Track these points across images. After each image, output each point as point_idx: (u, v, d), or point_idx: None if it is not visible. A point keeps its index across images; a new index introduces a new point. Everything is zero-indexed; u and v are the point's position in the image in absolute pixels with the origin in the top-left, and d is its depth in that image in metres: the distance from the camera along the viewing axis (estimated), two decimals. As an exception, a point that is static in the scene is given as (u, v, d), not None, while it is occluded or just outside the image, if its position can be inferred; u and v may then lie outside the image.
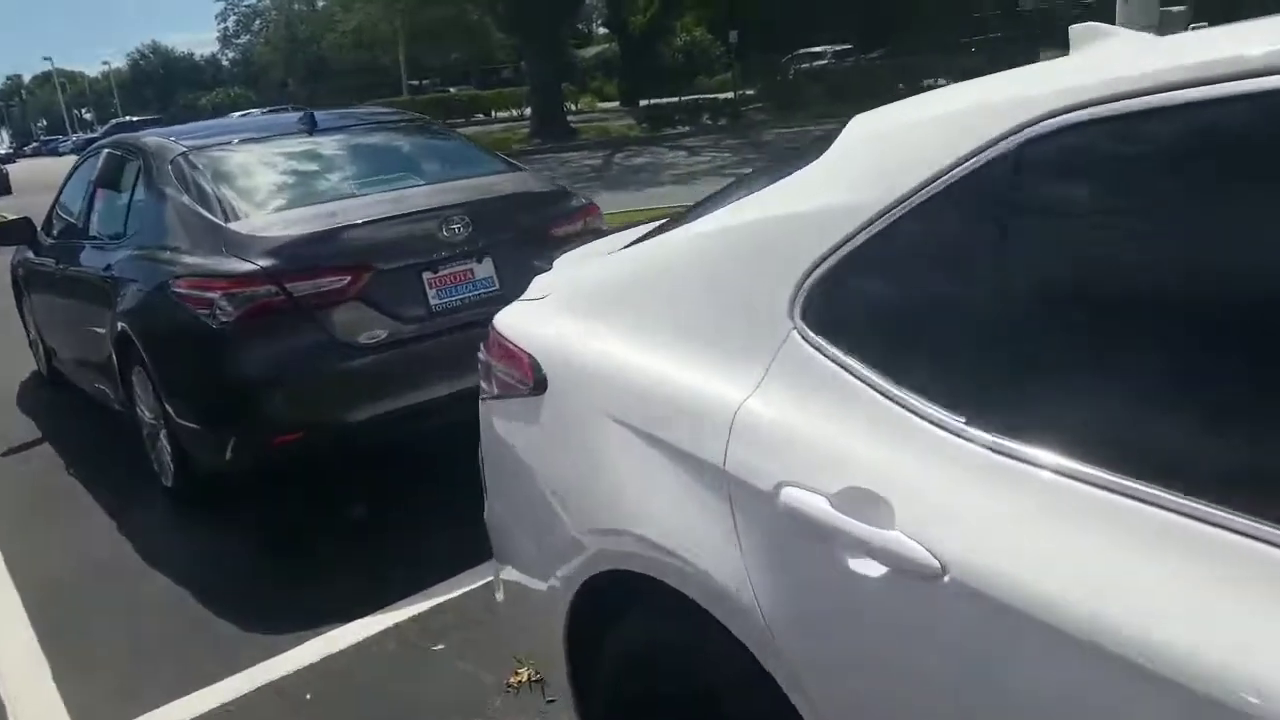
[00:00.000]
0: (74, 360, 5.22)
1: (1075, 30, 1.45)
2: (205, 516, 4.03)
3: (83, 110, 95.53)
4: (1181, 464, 0.93)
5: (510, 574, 2.07)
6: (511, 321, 2.07)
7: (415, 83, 48.40)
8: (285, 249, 3.54)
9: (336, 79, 58.29)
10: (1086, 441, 0.99)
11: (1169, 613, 0.87)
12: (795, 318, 1.32)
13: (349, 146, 4.58)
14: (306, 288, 3.49)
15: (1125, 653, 0.87)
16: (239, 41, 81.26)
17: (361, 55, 55.15)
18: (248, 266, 3.47)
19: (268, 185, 4.11)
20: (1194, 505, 0.89)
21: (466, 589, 3.12)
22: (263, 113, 25.35)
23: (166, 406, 3.78)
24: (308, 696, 2.70)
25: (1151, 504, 0.92)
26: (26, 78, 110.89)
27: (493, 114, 41.46)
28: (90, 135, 49.95)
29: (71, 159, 7.06)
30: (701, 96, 29.71)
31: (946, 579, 1.02)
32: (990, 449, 1.05)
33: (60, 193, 5.66)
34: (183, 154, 4.14)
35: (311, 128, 4.48)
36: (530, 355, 1.85)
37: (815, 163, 1.44)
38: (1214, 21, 1.45)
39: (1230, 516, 0.87)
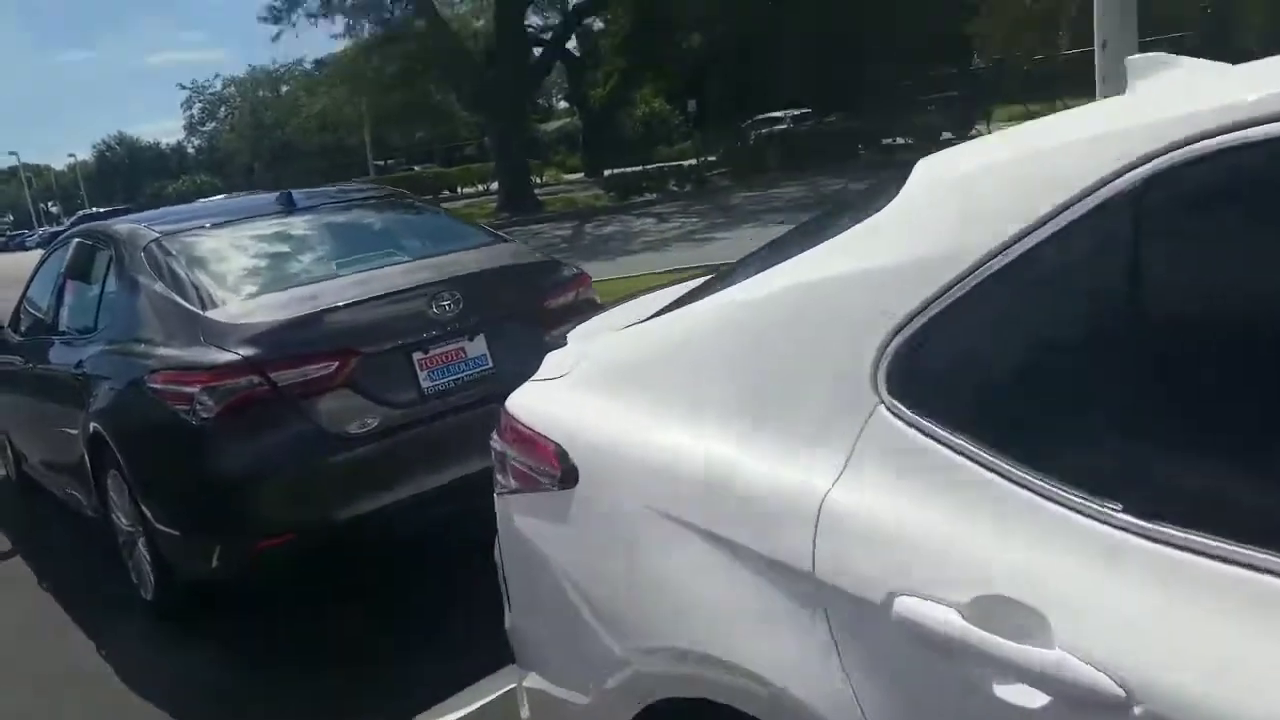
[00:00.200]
0: (44, 464, 4.96)
1: (1133, 62, 1.34)
2: (190, 631, 3.74)
3: (49, 204, 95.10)
4: None
5: (536, 682, 1.86)
6: (528, 404, 1.90)
7: (380, 162, 48.65)
8: (267, 336, 3.35)
9: (302, 161, 58.65)
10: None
11: None
12: (880, 389, 1.15)
13: (328, 225, 4.44)
14: (291, 376, 3.29)
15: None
16: (204, 129, 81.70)
17: (326, 137, 55.62)
18: (228, 356, 3.28)
19: (246, 269, 3.94)
20: None
21: (480, 704, 2.87)
22: (226, 198, 25.21)
23: (145, 511, 3.54)
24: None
25: None
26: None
27: (459, 190, 41.64)
28: (56, 228, 49.62)
29: (38, 253, 6.86)
30: (665, 165, 30.03)
31: (1137, 710, 0.84)
32: (1157, 540, 0.89)
33: (27, 287, 5.45)
34: (155, 240, 3.97)
35: (289, 208, 4.34)
36: (555, 443, 1.66)
37: (884, 212, 1.29)
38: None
39: None
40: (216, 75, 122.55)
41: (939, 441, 1.08)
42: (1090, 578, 0.92)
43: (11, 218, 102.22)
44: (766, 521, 1.22)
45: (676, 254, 13.18)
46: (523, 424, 1.84)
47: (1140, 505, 0.91)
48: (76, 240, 4.87)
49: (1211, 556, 0.85)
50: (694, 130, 33.96)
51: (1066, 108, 1.44)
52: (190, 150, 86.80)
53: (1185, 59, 1.35)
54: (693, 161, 29.66)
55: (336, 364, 3.36)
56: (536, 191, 29.42)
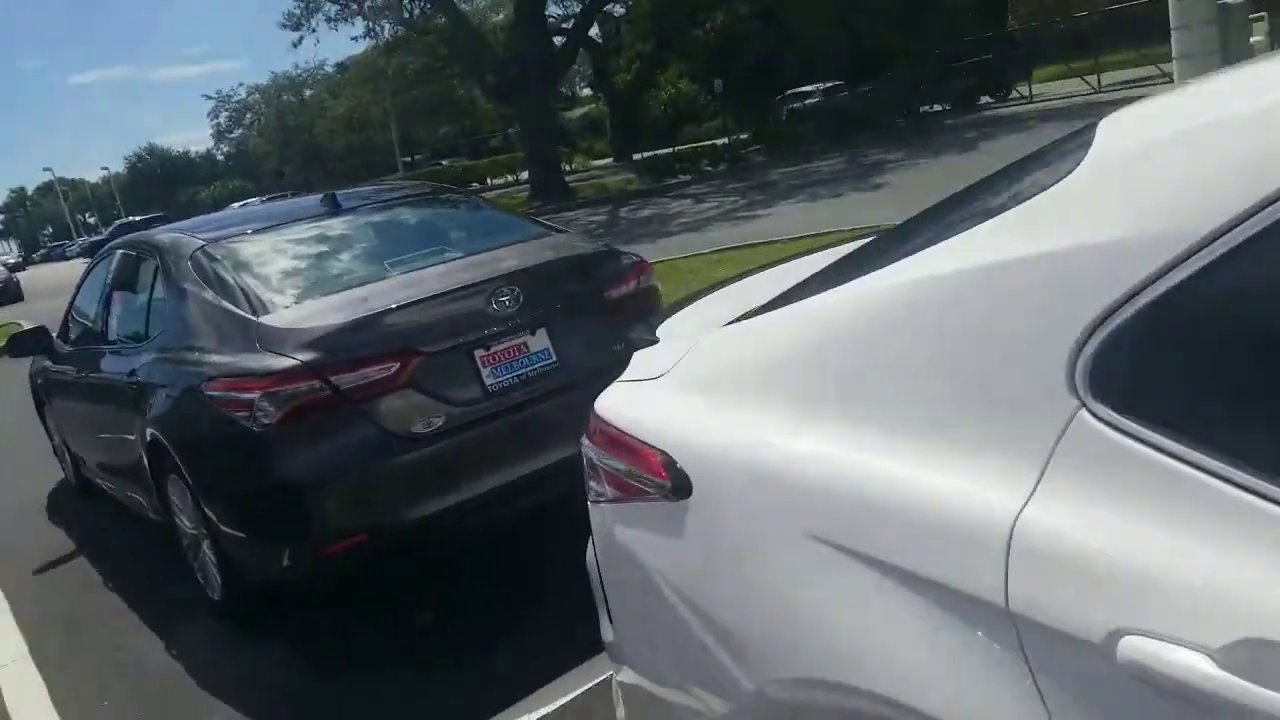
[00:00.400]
0: (104, 469, 4.93)
1: None
2: (260, 632, 3.69)
3: (86, 215, 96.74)
4: None
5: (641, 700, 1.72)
6: (621, 407, 1.74)
7: (407, 159, 48.78)
8: (325, 340, 3.24)
9: (331, 162, 59.01)
10: None
11: None
12: (1081, 391, 0.97)
13: (375, 225, 4.32)
14: (352, 379, 3.18)
15: None
16: (232, 136, 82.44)
17: (353, 137, 55.98)
18: (287, 362, 3.17)
19: (296, 273, 3.83)
20: None
21: (561, 701, 2.78)
22: (261, 201, 25.42)
23: (209, 514, 3.47)
24: None
25: None
26: (30, 189, 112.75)
27: (488, 181, 41.63)
28: (96, 238, 50.45)
29: (78, 262, 6.90)
30: (698, 144, 29.71)
31: None
32: None
33: (74, 297, 5.44)
34: (200, 248, 3.87)
35: (334, 209, 4.23)
36: (660, 450, 1.50)
37: (1070, 181, 1.10)
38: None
39: None
40: (240, 84, 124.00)
41: (1162, 451, 0.91)
42: None
43: (50, 230, 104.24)
44: (944, 545, 1.05)
45: (716, 234, 12.97)
46: (617, 428, 1.69)
47: None
48: (121, 251, 4.81)
49: None
50: (721, 109, 33.60)
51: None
52: (220, 157, 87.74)
53: None
54: (724, 140, 29.33)
55: (397, 365, 3.24)
56: (567, 178, 29.30)
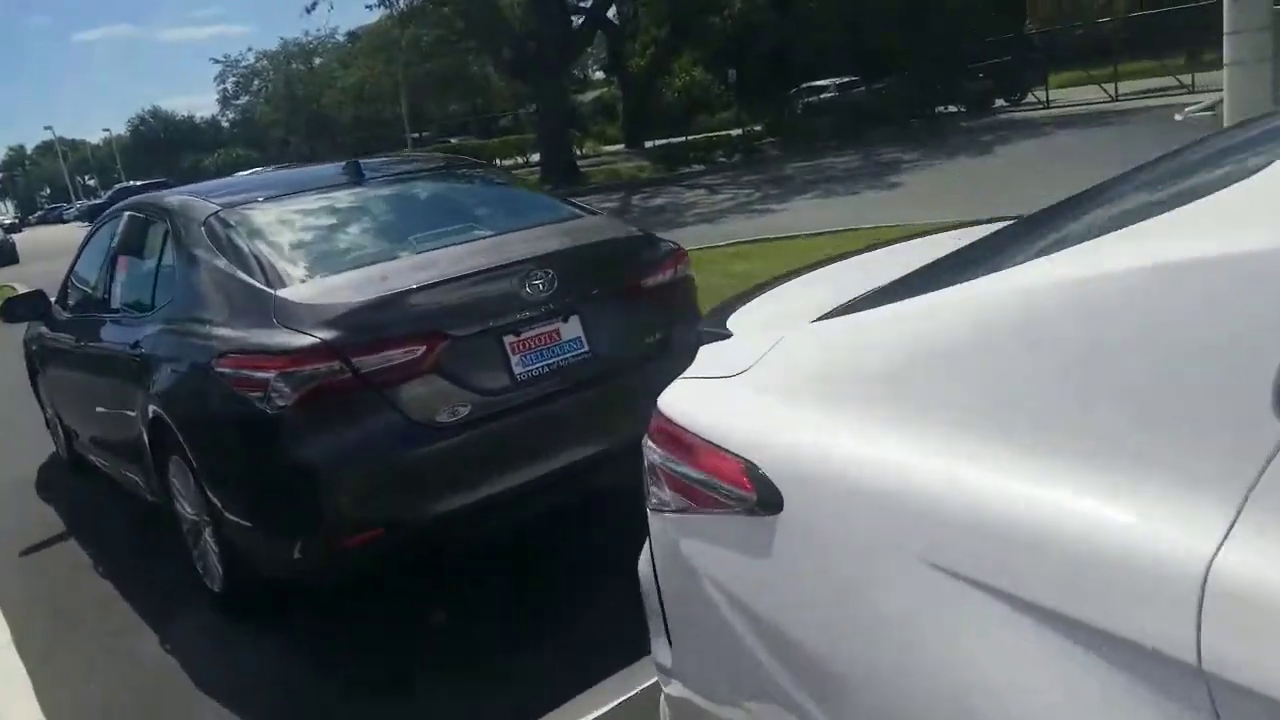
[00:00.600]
0: (99, 444, 4.70)
1: None
2: (264, 627, 3.48)
3: (85, 177, 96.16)
4: None
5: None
6: (692, 407, 1.55)
7: (416, 135, 48.41)
8: (347, 318, 3.02)
9: (339, 134, 58.63)
10: None
11: None
12: None
13: (401, 197, 4.10)
14: (375, 362, 2.96)
15: None
16: (238, 102, 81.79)
17: (362, 109, 55.54)
18: (306, 340, 2.95)
19: (317, 245, 3.60)
20: None
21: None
22: (271, 170, 25.09)
23: (213, 500, 3.25)
24: None
25: None
26: (29, 148, 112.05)
27: (497, 162, 41.37)
28: (95, 201, 49.96)
29: (76, 225, 6.66)
30: (712, 134, 29.40)
31: None
32: None
33: (75, 262, 5.20)
34: (215, 213, 3.64)
35: (357, 178, 4.00)
36: (743, 458, 1.33)
37: (1265, 175, 0.94)
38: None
39: None
40: (249, 49, 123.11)
41: None
42: None
43: (48, 191, 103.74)
44: (1116, 591, 0.88)
45: (731, 226, 12.75)
46: (689, 429, 1.50)
47: None
48: (128, 214, 4.56)
49: None
50: (736, 100, 33.30)
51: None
52: (225, 124, 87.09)
53: None
54: (739, 131, 29.04)
55: (423, 348, 3.02)
56: (578, 162, 29.01)
